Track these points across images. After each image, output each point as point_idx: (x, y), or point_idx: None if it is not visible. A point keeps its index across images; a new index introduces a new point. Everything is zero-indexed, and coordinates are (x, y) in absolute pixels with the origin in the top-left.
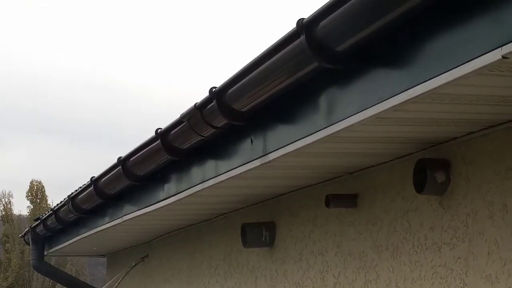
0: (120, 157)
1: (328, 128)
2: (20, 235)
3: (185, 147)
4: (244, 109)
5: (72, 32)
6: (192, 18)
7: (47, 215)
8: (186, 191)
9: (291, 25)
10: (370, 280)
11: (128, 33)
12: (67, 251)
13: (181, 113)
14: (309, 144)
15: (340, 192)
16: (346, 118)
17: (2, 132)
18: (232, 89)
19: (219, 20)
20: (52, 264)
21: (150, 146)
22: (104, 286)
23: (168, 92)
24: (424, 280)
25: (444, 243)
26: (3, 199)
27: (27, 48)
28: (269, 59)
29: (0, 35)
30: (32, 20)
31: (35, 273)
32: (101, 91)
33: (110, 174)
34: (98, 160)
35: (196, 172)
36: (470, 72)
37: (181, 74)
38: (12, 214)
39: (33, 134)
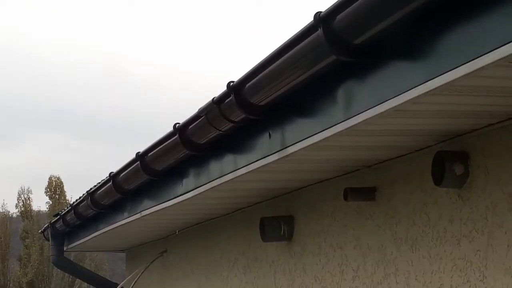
0: (139, 152)
1: (346, 121)
2: (39, 231)
3: (203, 141)
4: (262, 103)
5: (73, 30)
6: (200, 14)
7: (66, 210)
8: (205, 185)
9: (303, 20)
10: (389, 274)
11: (132, 30)
12: (87, 246)
13: (199, 107)
14: (327, 138)
15: (359, 186)
16: (364, 111)
17: (18, 128)
18: (249, 83)
19: (226, 17)
20: (71, 259)
21: (168, 141)
22: (124, 281)
23: (181, 88)
24: (444, 273)
25: (463, 236)
26: (22, 195)
27: (35, 44)
28: (287, 53)
29: (14, 32)
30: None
31: (55, 268)
32: (112, 87)
33: (129, 169)
34: (112, 154)
35: (215, 167)
36: (489, 64)
37: (195, 70)
38: (31, 210)
39: (47, 130)
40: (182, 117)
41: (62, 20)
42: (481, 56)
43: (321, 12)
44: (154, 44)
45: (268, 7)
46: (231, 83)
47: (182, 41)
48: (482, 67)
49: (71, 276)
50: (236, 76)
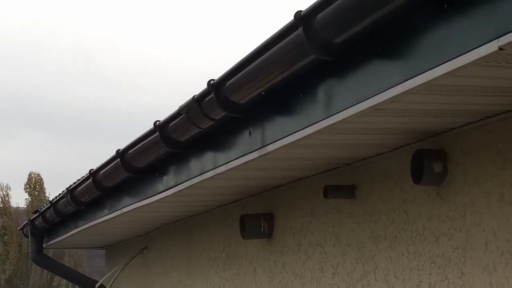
0: (119, 149)
1: (326, 119)
2: (18, 228)
3: (184, 139)
4: (242, 101)
5: (53, 28)
6: (189, 13)
7: (45, 207)
8: (185, 183)
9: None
10: (369, 271)
11: (115, 26)
12: (66, 243)
13: (180, 105)
14: (307, 136)
15: (338, 183)
16: (343, 110)
17: None
18: (230, 81)
19: (216, 13)
20: (50, 256)
21: (149, 139)
22: (104, 278)
23: (162, 85)
24: (422, 270)
25: (441, 233)
26: (1, 192)
27: (13, 40)
28: (267, 51)
29: None
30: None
31: (34, 265)
32: (95, 83)
33: (109, 166)
34: (93, 152)
35: (195, 164)
36: (467, 64)
37: (176, 68)
38: (10, 206)
39: (27, 127)
40: (162, 116)
41: (39, 14)
42: (459, 55)
43: (301, 11)
44: (137, 42)
45: (265, 7)
46: (212, 81)
47: (165, 39)
48: (461, 67)
49: (50, 273)
50: (218, 74)
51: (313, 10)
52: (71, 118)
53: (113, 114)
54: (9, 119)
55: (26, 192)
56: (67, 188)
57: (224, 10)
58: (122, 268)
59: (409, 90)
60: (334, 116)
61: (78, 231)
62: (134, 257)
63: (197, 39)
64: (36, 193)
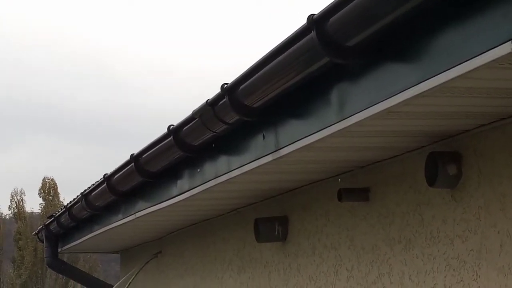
0: (133, 154)
1: (340, 123)
2: (33, 233)
3: (197, 143)
4: (255, 105)
5: (65, 31)
6: (193, 12)
7: (60, 212)
8: (199, 187)
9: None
10: (383, 273)
11: (128, 30)
12: (81, 248)
13: (193, 109)
14: (320, 139)
15: (352, 186)
16: (357, 113)
17: (10, 131)
18: (243, 85)
19: (222, 16)
20: (65, 260)
21: (163, 143)
22: (118, 283)
23: (176, 90)
24: (437, 272)
25: (456, 236)
26: (15, 197)
27: (26, 46)
28: (280, 55)
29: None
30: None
31: (48, 270)
32: (106, 87)
33: (123, 171)
34: (105, 156)
35: (209, 168)
36: (480, 66)
37: (190, 72)
38: (24, 211)
39: (39, 132)
40: (175, 120)
41: (50, 18)
42: (473, 58)
43: (314, 14)
44: (146, 46)
45: (265, 7)
46: (225, 85)
47: (177, 44)
48: (474, 69)
49: (64, 278)
50: (231, 78)
51: (325, 14)
52: (82, 122)
53: (124, 118)
54: (22, 124)
55: (40, 197)
56: (81, 193)
57: (224, 10)
58: (137, 273)
59: (422, 92)
60: (348, 119)
61: (93, 236)
62: (148, 261)
63: (199, 41)
64: (51, 198)
